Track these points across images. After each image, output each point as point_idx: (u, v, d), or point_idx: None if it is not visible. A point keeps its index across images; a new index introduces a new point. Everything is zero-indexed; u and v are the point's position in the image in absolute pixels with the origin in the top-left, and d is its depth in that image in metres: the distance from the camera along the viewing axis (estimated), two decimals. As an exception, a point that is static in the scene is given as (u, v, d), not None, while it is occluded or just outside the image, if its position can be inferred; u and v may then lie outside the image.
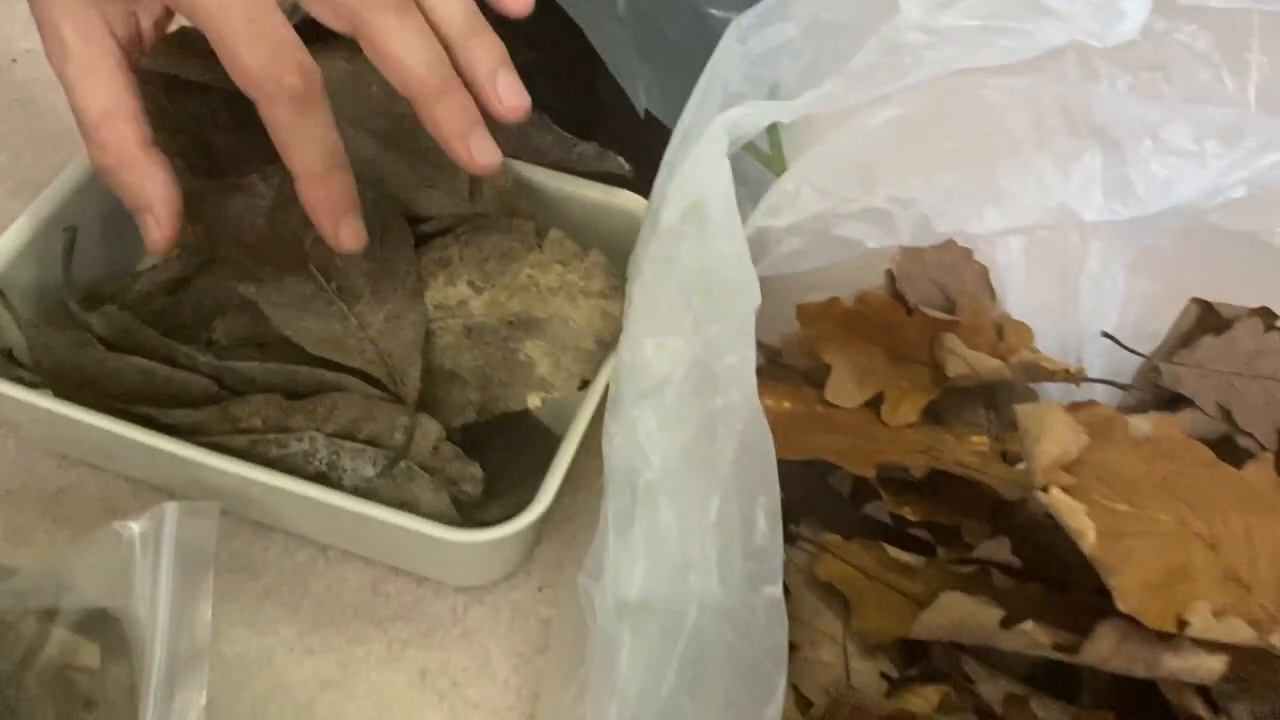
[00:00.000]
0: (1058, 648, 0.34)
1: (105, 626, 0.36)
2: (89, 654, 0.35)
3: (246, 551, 0.43)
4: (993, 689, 0.36)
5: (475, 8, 0.41)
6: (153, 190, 0.39)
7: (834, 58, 0.41)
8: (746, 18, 0.42)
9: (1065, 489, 0.34)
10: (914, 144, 0.41)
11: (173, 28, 0.44)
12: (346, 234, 0.40)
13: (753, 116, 0.40)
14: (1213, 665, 0.33)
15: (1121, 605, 0.32)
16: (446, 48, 0.39)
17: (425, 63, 0.38)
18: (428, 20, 0.39)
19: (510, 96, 0.40)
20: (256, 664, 0.41)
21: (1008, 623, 0.34)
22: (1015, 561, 0.37)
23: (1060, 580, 0.37)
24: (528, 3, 0.42)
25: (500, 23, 0.51)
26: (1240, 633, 0.32)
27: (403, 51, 0.38)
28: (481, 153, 0.40)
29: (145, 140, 0.39)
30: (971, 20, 0.38)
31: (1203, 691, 0.35)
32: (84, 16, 0.39)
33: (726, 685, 0.33)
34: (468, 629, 0.42)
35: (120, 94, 0.39)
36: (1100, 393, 0.45)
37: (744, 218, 0.40)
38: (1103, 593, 0.33)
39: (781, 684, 0.33)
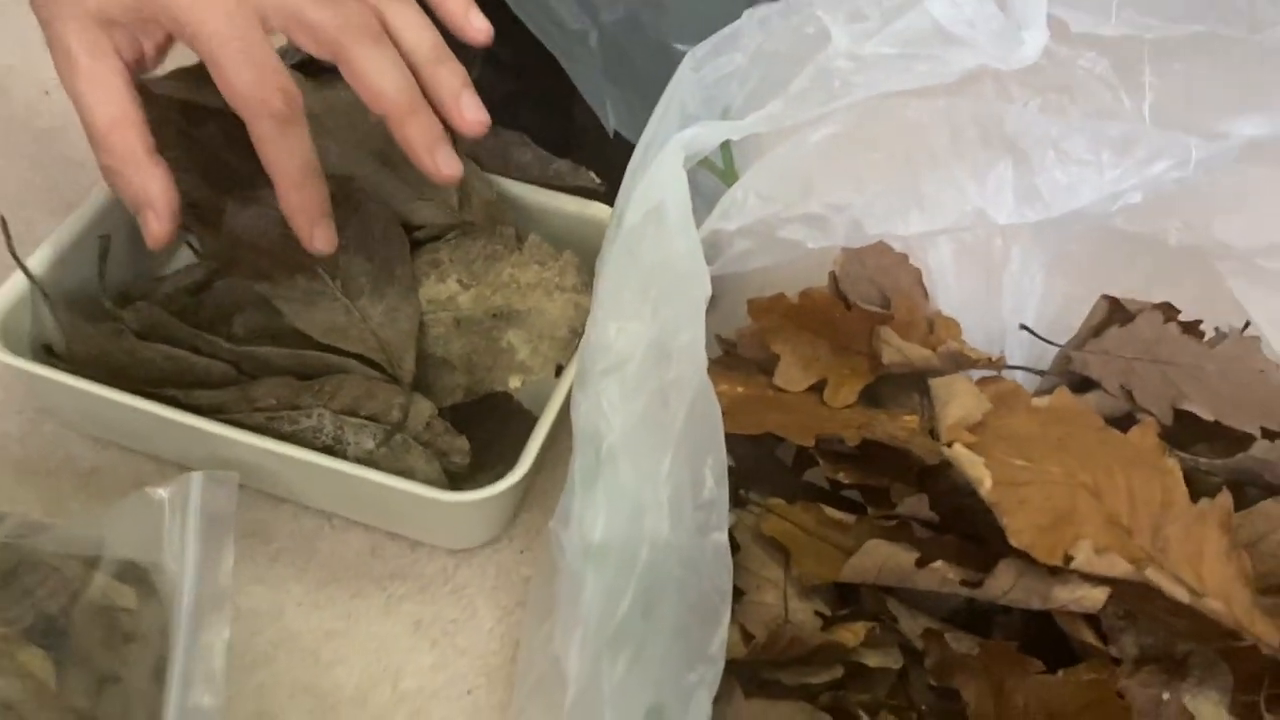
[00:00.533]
0: (964, 583, 0.39)
1: (139, 575, 0.41)
2: (126, 596, 0.40)
3: (260, 519, 0.48)
4: (913, 625, 0.41)
5: (440, 38, 0.46)
6: (154, 189, 0.44)
7: (776, 83, 0.46)
8: (701, 48, 0.48)
9: (968, 445, 0.39)
10: (847, 157, 0.47)
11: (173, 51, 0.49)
12: (320, 236, 0.45)
13: (707, 134, 0.46)
14: (1096, 595, 0.38)
15: (1014, 541, 0.37)
16: (415, 72, 0.45)
17: (396, 86, 0.44)
18: (399, 49, 0.45)
19: (471, 113, 0.46)
20: (269, 616, 0.46)
21: (922, 563, 0.39)
22: (933, 516, 0.42)
23: (974, 535, 0.42)
24: (486, 29, 0.48)
25: (487, 58, 0.57)
26: (1118, 566, 0.38)
27: (376, 76, 0.44)
28: (446, 164, 0.45)
29: (148, 146, 0.44)
30: (892, 49, 0.44)
31: (1094, 625, 0.40)
32: (93, 36, 0.43)
33: (677, 614, 0.38)
34: (457, 586, 0.47)
35: (125, 105, 0.44)
36: (1020, 378, 0.50)
37: (699, 222, 0.45)
38: (1006, 541, 0.38)
39: (726, 617, 0.38)
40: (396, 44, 0.45)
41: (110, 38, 0.44)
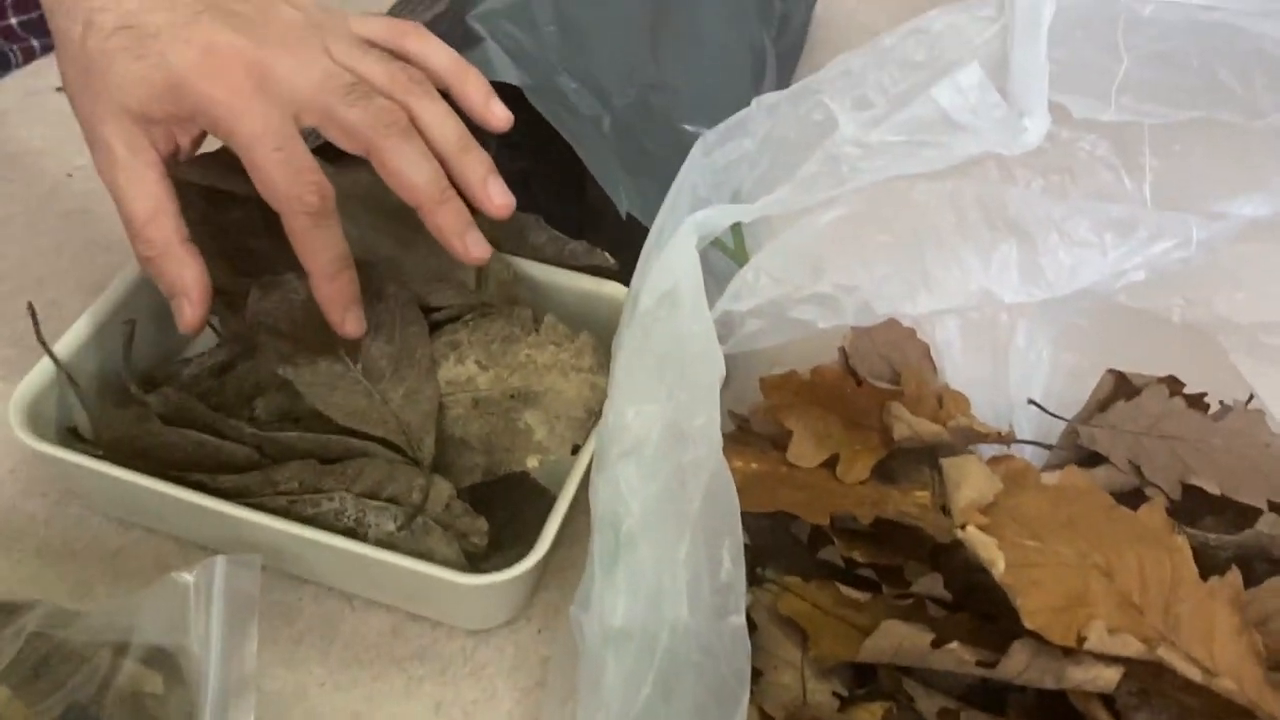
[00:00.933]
0: (979, 664, 0.39)
1: (166, 661, 0.42)
2: (154, 682, 0.41)
3: (284, 601, 0.49)
4: (929, 704, 0.42)
5: (464, 128, 0.48)
6: (188, 277, 0.46)
7: (785, 168, 0.48)
8: (711, 134, 0.49)
9: (980, 527, 0.40)
10: (855, 239, 0.48)
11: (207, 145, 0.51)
12: (351, 322, 0.47)
13: (718, 217, 0.47)
14: (1109, 675, 0.38)
15: (1027, 623, 0.38)
16: (443, 162, 0.47)
17: (426, 178, 0.46)
18: (426, 140, 0.47)
19: (498, 196, 0.48)
20: (293, 698, 0.46)
21: (937, 644, 0.40)
22: (947, 595, 0.43)
23: (987, 612, 0.43)
24: (506, 117, 0.50)
25: (503, 141, 0.58)
26: (1131, 646, 0.38)
27: (409, 169, 0.46)
28: (475, 248, 0.48)
29: (183, 236, 0.46)
30: (898, 136, 0.45)
31: (1108, 704, 0.40)
32: (131, 133, 0.45)
33: (696, 698, 0.38)
34: (476, 666, 0.48)
35: (162, 199, 0.46)
36: (1029, 453, 0.51)
37: (712, 303, 0.47)
38: (1020, 620, 0.39)
39: (744, 699, 0.38)
40: (424, 136, 0.47)
41: (147, 133, 0.46)
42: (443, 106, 0.48)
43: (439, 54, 0.50)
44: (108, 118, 0.45)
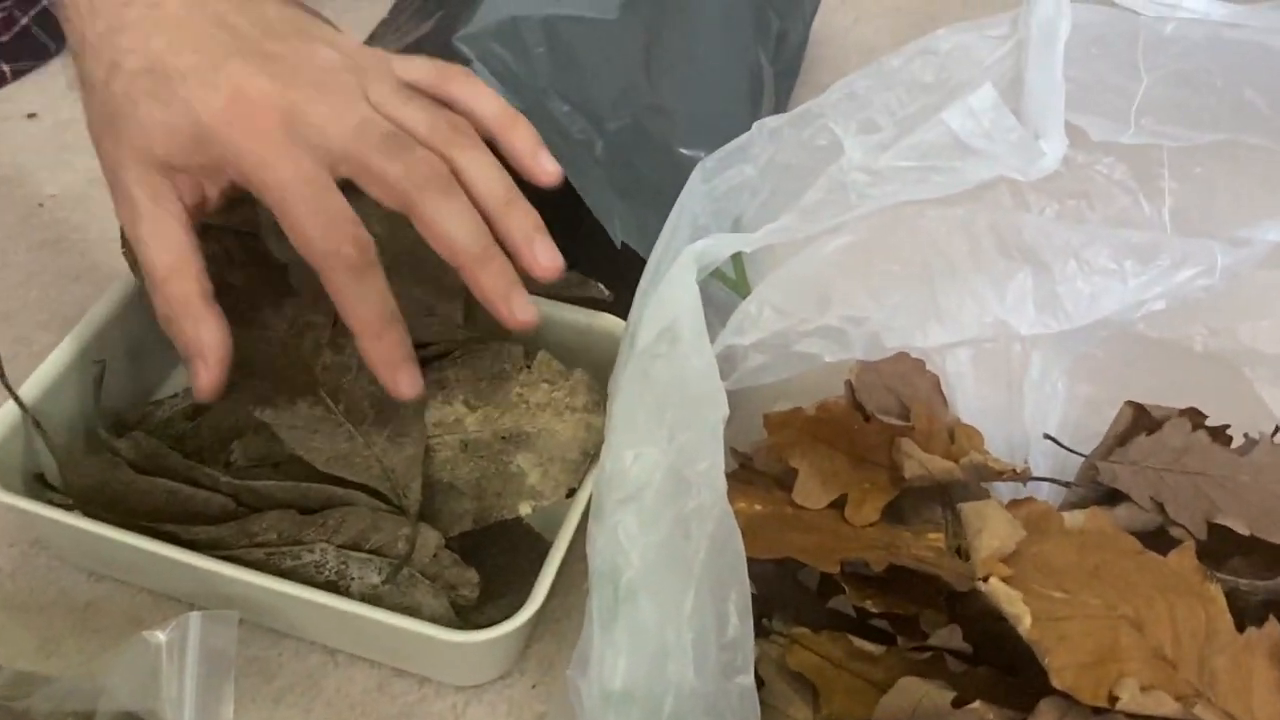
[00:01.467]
0: (1004, 725, 0.37)
1: (136, 727, 0.39)
2: (122, 753, 0.38)
3: (263, 656, 0.46)
4: (950, 765, 0.39)
5: (510, 181, 0.45)
6: (208, 339, 0.43)
7: (788, 195, 0.45)
8: (710, 160, 0.47)
9: (1004, 579, 0.38)
10: (863, 268, 0.46)
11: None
12: (405, 382, 0.44)
13: (718, 247, 0.45)
14: (1144, 736, 0.36)
15: (1056, 683, 0.36)
16: (487, 217, 0.44)
17: (469, 236, 0.43)
18: (470, 194, 0.44)
19: (545, 258, 0.45)
20: (273, 762, 0.44)
21: (959, 703, 0.38)
22: (967, 648, 0.40)
23: (1009, 664, 0.40)
24: (556, 172, 0.46)
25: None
26: (1165, 705, 0.36)
27: (450, 227, 0.43)
28: (521, 311, 0.44)
29: (204, 294, 0.43)
30: (907, 161, 0.43)
31: (1141, 763, 0.38)
32: (155, 183, 0.42)
33: (703, 766, 0.36)
34: (467, 725, 0.45)
35: (185, 253, 0.43)
36: (1046, 490, 0.49)
37: (713, 337, 0.44)
38: (1046, 674, 0.37)
39: (755, 764, 0.36)
40: (467, 189, 0.44)
41: (173, 183, 0.43)
42: (488, 158, 0.45)
43: (486, 101, 0.46)
44: (131, 165, 0.42)
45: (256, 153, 0.41)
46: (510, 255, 0.44)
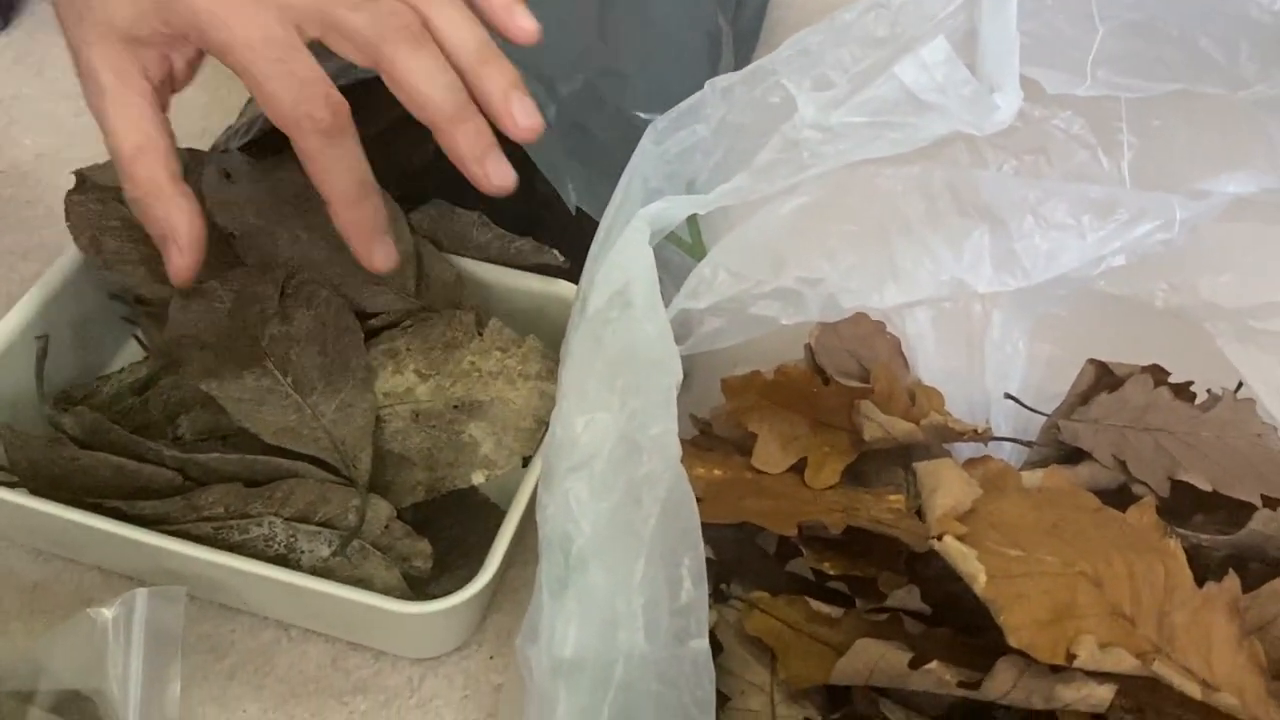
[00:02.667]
0: (962, 685, 0.37)
1: (80, 707, 0.38)
2: (64, 733, 0.38)
3: (213, 633, 0.46)
4: (908, 727, 0.39)
5: (486, 35, 0.43)
6: (178, 220, 0.41)
7: (742, 154, 0.45)
8: (662, 121, 0.46)
9: (959, 537, 0.37)
10: (818, 229, 0.45)
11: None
12: (380, 254, 0.43)
13: (671, 209, 0.44)
14: (1102, 694, 0.36)
15: (1013, 641, 0.35)
16: (461, 73, 0.42)
17: (442, 90, 0.41)
18: (443, 48, 0.42)
19: (523, 117, 0.43)
20: (224, 739, 0.43)
21: (916, 663, 0.37)
22: (925, 608, 0.40)
23: (968, 625, 0.40)
24: (533, 29, 0.44)
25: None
26: (1124, 662, 0.35)
27: (420, 80, 0.41)
28: (497, 174, 0.42)
29: (173, 174, 0.41)
30: (860, 117, 0.42)
31: (1100, 721, 0.38)
32: (119, 59, 0.41)
33: (656, 733, 0.35)
34: (424, 698, 0.44)
35: (152, 131, 0.41)
36: (1007, 450, 0.48)
37: (667, 301, 0.44)
38: (1004, 634, 0.36)
39: (709, 731, 0.35)
40: (441, 44, 0.42)
41: (138, 59, 0.41)
42: (462, 10, 0.43)
43: None
44: (94, 40, 0.41)
45: (218, 14, 0.40)
46: (486, 114, 0.42)
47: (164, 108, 0.42)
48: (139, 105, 0.41)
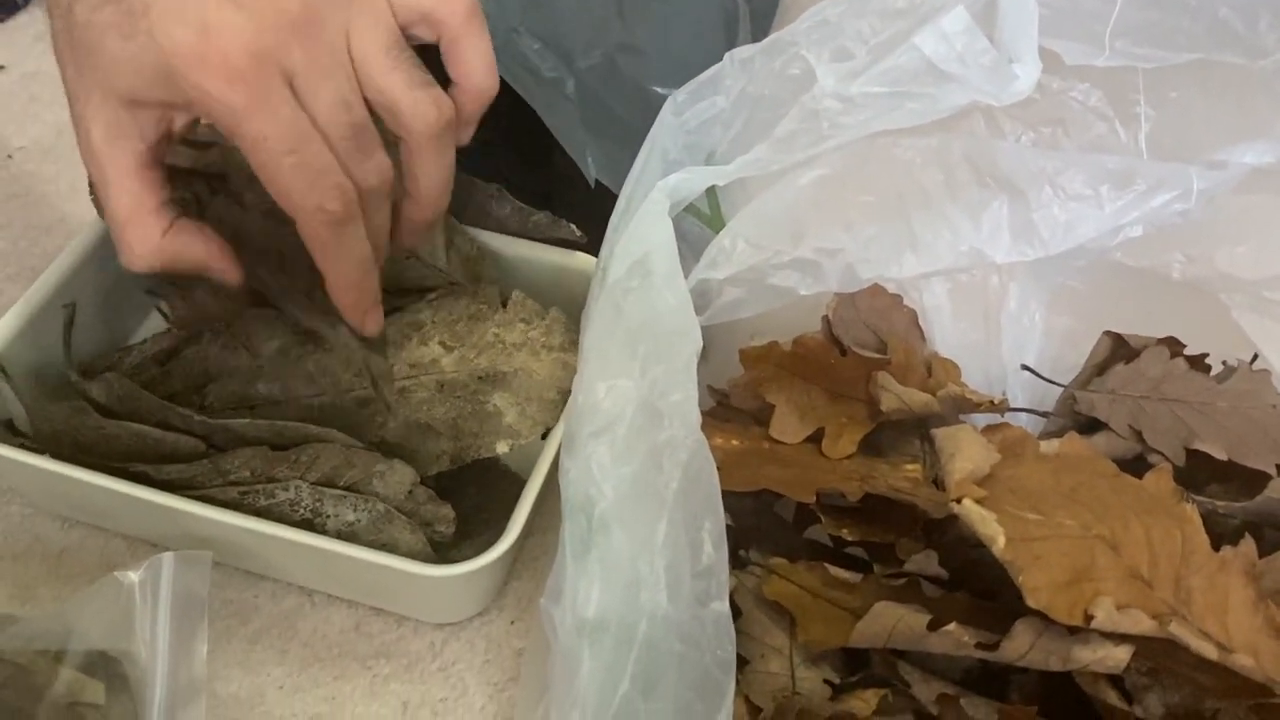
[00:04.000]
0: (980, 646, 0.37)
1: (109, 667, 0.39)
2: (95, 691, 0.38)
3: (238, 599, 0.46)
4: (926, 690, 0.39)
5: (446, 201, 0.45)
6: (196, 255, 0.42)
7: (761, 126, 0.45)
8: (681, 93, 0.46)
9: (977, 500, 0.37)
10: (837, 200, 0.45)
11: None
12: (371, 323, 0.44)
13: (691, 181, 0.44)
14: (1119, 655, 0.36)
15: (1031, 601, 0.36)
16: (398, 208, 0.44)
17: (356, 270, 0.42)
18: (407, 186, 0.43)
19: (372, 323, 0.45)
20: (249, 702, 0.43)
21: (934, 625, 0.37)
22: (942, 573, 0.40)
23: (986, 590, 0.40)
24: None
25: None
26: (1141, 623, 0.36)
27: (340, 263, 0.42)
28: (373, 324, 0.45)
29: (164, 230, 0.41)
30: (880, 87, 0.42)
31: (1117, 684, 0.38)
32: (114, 120, 0.40)
33: (678, 691, 0.36)
34: (446, 662, 0.45)
35: (142, 196, 0.41)
36: (1025, 421, 0.49)
37: (687, 272, 0.44)
38: (1022, 598, 0.37)
39: (730, 690, 0.36)
40: (410, 183, 0.43)
41: (135, 121, 0.40)
42: (445, 172, 0.44)
43: (481, 77, 0.44)
44: (92, 97, 0.39)
45: (230, 102, 0.38)
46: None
47: (158, 162, 0.42)
48: (128, 170, 0.41)
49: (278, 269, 0.47)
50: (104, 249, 0.51)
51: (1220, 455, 0.45)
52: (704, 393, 0.49)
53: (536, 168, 0.55)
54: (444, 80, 0.43)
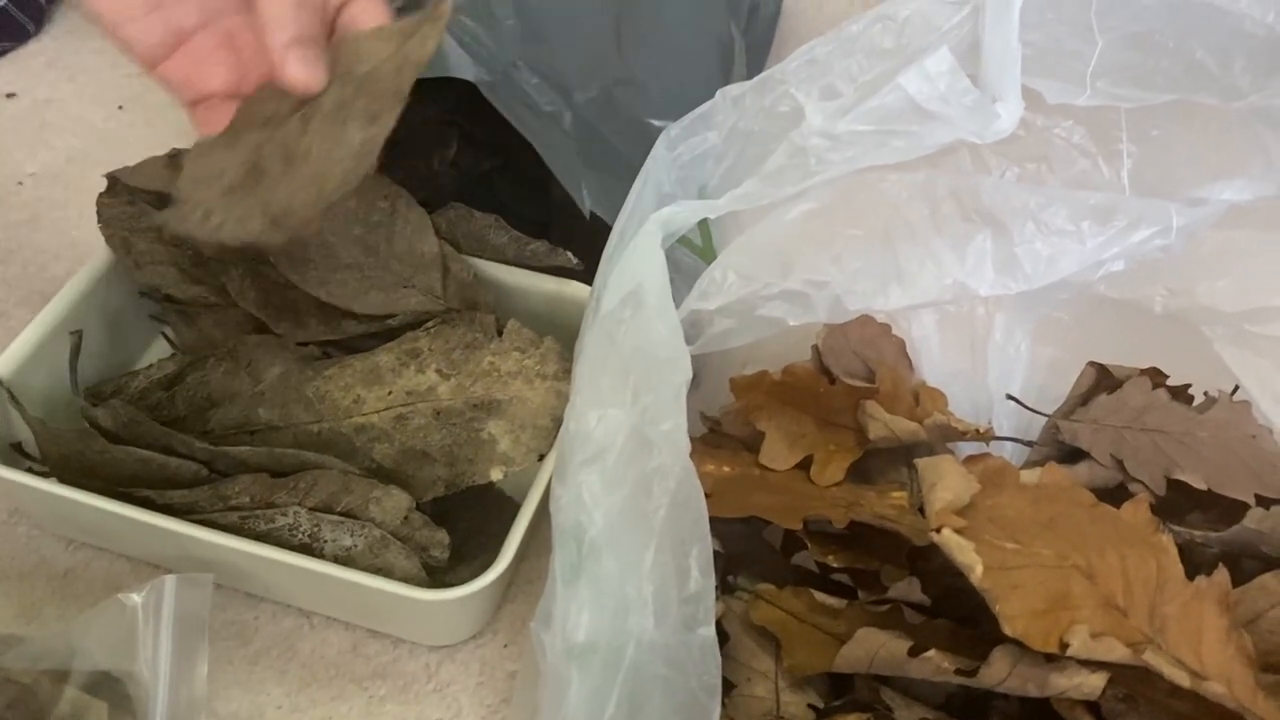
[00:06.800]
0: (959, 672, 0.38)
1: (112, 687, 0.40)
2: (98, 712, 0.39)
3: (238, 620, 0.47)
4: (909, 715, 0.40)
5: None
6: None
7: (751, 161, 0.46)
8: (675, 128, 0.48)
9: (957, 530, 0.38)
10: (825, 233, 0.46)
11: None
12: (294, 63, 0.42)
13: (683, 214, 0.45)
14: (1094, 682, 0.37)
15: (1008, 630, 0.36)
16: None
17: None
18: None
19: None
20: (248, 721, 0.44)
21: (915, 651, 0.38)
22: (925, 599, 0.41)
23: (968, 617, 0.41)
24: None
25: (464, 136, 0.56)
26: (1115, 651, 0.37)
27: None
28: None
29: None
30: (866, 125, 0.44)
31: (1093, 710, 0.39)
32: None
33: (664, 715, 0.36)
34: (441, 684, 0.46)
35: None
36: (1010, 449, 0.50)
37: (679, 302, 0.45)
38: (1000, 625, 0.37)
39: (715, 714, 0.36)
40: None
41: None
42: None
43: None
44: None
45: None
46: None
47: None
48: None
49: None
50: (112, 275, 0.52)
51: (1200, 485, 0.46)
52: (695, 420, 0.50)
53: (534, 196, 0.56)
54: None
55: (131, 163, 0.53)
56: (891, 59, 0.45)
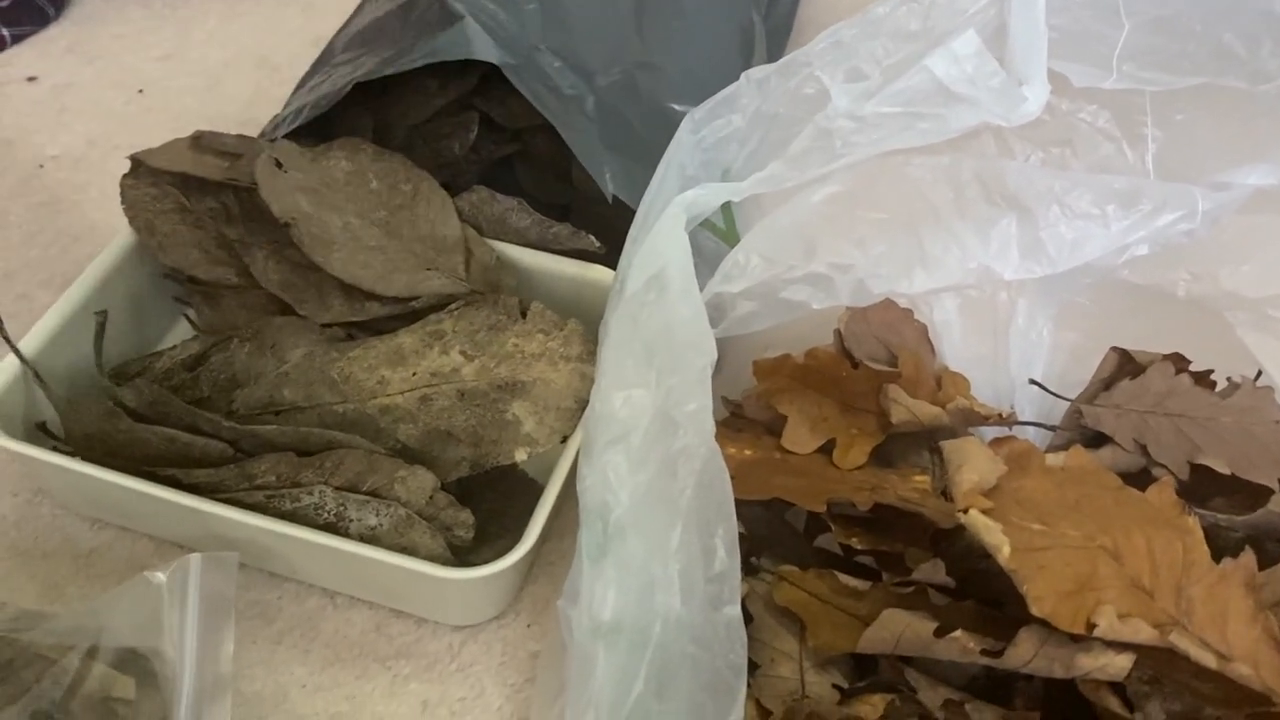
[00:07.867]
0: (985, 653, 0.38)
1: (138, 663, 0.40)
2: (125, 686, 0.39)
3: (262, 600, 0.47)
4: (933, 696, 0.40)
5: None
6: None
7: (776, 144, 0.46)
8: (698, 111, 0.48)
9: (984, 511, 0.38)
10: (849, 216, 0.46)
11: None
12: None
13: (707, 197, 0.45)
14: (1121, 663, 0.37)
15: (1035, 610, 0.37)
16: None
17: None
18: None
19: None
20: (273, 700, 0.45)
21: (940, 633, 0.38)
22: (949, 581, 0.41)
23: (992, 598, 0.41)
24: None
25: (485, 121, 0.56)
26: (1142, 632, 0.37)
27: None
28: None
29: None
30: (892, 108, 0.44)
31: (1119, 692, 0.39)
32: None
33: (690, 692, 0.37)
34: (464, 664, 0.46)
35: None
36: (1031, 434, 0.49)
37: (703, 285, 0.45)
38: (1027, 606, 0.37)
39: (741, 692, 0.37)
40: None
41: None
42: None
43: None
44: None
45: None
46: None
47: None
48: None
49: None
50: (134, 257, 0.52)
51: (1223, 469, 0.45)
52: (718, 403, 0.50)
53: (555, 180, 0.57)
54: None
55: (151, 146, 0.53)
56: (917, 41, 0.45)
